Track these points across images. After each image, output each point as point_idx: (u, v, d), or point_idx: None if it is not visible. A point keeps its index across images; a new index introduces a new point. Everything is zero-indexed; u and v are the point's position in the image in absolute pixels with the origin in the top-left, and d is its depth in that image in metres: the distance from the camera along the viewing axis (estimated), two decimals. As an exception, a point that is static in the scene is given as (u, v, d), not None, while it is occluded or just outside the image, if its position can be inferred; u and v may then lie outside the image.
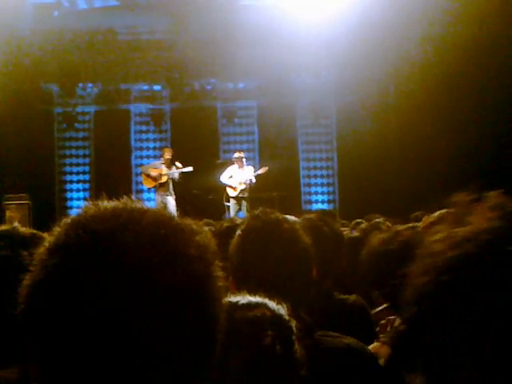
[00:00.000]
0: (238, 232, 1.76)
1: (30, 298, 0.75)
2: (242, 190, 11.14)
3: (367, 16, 11.72)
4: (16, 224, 1.90)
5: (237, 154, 11.28)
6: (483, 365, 0.63)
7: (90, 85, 13.16)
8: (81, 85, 13.07)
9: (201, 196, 11.55)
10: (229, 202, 11.24)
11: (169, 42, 12.77)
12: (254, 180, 11.13)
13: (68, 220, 0.80)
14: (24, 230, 1.87)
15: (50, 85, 13.02)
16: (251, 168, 11.28)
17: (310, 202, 13.47)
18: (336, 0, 11.71)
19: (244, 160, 11.25)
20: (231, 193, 11.20)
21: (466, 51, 10.30)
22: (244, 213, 10.95)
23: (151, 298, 0.72)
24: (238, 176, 11.18)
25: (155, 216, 0.80)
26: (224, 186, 11.26)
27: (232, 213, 11.03)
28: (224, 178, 11.27)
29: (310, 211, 11.69)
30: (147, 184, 11.48)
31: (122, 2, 12.94)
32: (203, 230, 0.85)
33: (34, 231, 1.87)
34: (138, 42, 12.79)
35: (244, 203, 11.13)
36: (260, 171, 11.14)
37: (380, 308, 2.80)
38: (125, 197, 0.84)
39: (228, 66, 12.44)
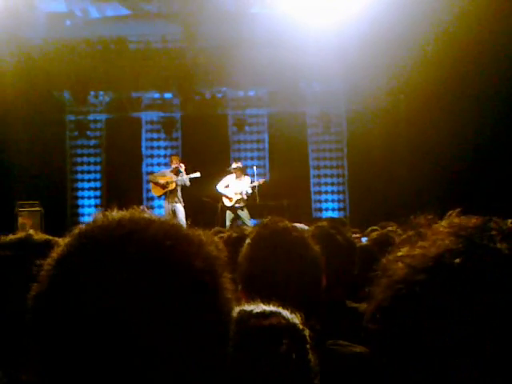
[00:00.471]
0: (248, 241, 1.76)
1: (36, 308, 0.76)
2: (237, 201, 11.16)
3: (377, 24, 11.73)
4: (31, 231, 1.91)
5: (235, 165, 11.30)
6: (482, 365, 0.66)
7: (102, 93, 13.26)
8: (93, 93, 13.17)
9: (211, 204, 11.57)
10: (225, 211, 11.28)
11: (180, 51, 12.83)
12: (250, 191, 11.14)
13: (76, 230, 0.80)
14: (38, 236, 1.88)
15: (62, 93, 13.13)
16: (248, 179, 11.29)
17: (321, 209, 13.46)
18: (346, 8, 11.73)
19: (242, 170, 11.28)
20: (227, 203, 11.23)
21: (480, 60, 10.28)
22: (246, 221, 10.97)
23: (154, 309, 0.72)
24: (234, 186, 11.21)
25: (162, 226, 0.79)
26: (220, 195, 11.30)
27: (227, 222, 11.05)
28: (220, 187, 11.30)
29: (321, 219, 11.68)
30: (156, 192, 11.53)
31: (133, 11, 13.04)
32: (213, 241, 0.85)
33: (49, 237, 1.87)
34: (150, 51, 12.86)
35: (243, 213, 11.14)
36: (256, 183, 11.15)
37: None
38: (134, 206, 0.85)
39: (238, 75, 12.48)
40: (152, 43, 12.86)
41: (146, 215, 0.82)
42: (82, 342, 0.71)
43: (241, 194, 11.14)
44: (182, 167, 11.16)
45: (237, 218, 11.20)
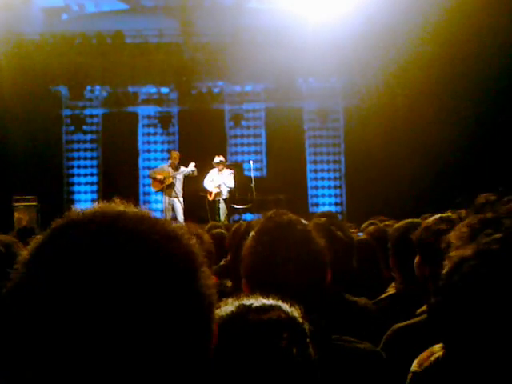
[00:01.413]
0: (251, 234, 1.73)
1: (8, 306, 0.75)
2: (216, 194, 11.14)
3: (374, 20, 11.73)
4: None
5: (217, 159, 11.24)
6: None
7: (99, 87, 13.21)
8: (89, 87, 13.13)
9: (207, 198, 11.57)
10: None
11: (177, 45, 12.81)
12: (229, 184, 11.12)
13: (52, 225, 0.80)
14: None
15: (58, 87, 13.08)
16: (229, 173, 11.25)
17: (317, 204, 13.46)
18: (343, 3, 11.72)
19: (224, 164, 11.23)
20: (209, 197, 11.24)
21: (477, 57, 10.29)
22: (221, 215, 10.96)
23: (133, 299, 0.72)
24: (216, 180, 11.20)
25: (134, 216, 0.80)
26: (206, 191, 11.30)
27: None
28: (206, 182, 11.30)
29: (315, 214, 11.70)
30: (154, 187, 11.54)
31: (130, 5, 13.01)
32: (198, 233, 0.86)
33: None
34: (146, 45, 12.84)
35: (221, 206, 11.13)
36: (231, 180, 11.14)
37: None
38: (129, 200, 0.85)
39: (236, 69, 12.47)
40: (149, 38, 12.83)
41: (118, 207, 0.82)
42: (60, 338, 0.70)
43: (219, 187, 11.12)
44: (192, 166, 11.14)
45: (218, 211, 11.16)
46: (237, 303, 1.21)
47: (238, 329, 1.14)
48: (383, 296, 2.79)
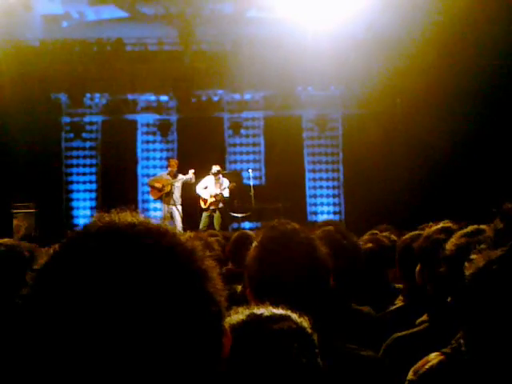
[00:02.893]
0: (255, 243, 1.75)
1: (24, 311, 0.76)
2: (212, 203, 11.12)
3: (373, 28, 11.79)
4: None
5: (214, 168, 11.21)
6: None
7: (98, 95, 13.23)
8: (88, 95, 13.15)
9: (199, 205, 11.53)
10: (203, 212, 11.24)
11: (176, 53, 12.85)
12: (225, 194, 11.11)
13: (67, 236, 0.82)
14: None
15: (58, 94, 13.09)
16: (226, 182, 11.24)
17: (316, 213, 13.46)
18: (342, 13, 11.77)
19: (221, 175, 11.24)
20: (202, 205, 11.21)
21: (474, 62, 10.33)
22: (215, 225, 10.94)
23: (148, 305, 0.73)
24: (211, 188, 11.18)
25: (146, 227, 0.81)
26: (198, 197, 11.27)
27: (201, 225, 10.95)
28: (199, 188, 11.28)
29: (314, 222, 11.71)
30: (153, 195, 11.58)
31: (130, 13, 13.05)
32: (206, 241, 0.87)
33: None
34: (146, 53, 12.87)
35: (215, 215, 11.11)
36: (228, 186, 11.12)
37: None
38: (128, 208, 0.86)
39: (235, 78, 12.50)
40: (148, 46, 12.88)
41: (129, 217, 0.83)
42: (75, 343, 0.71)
43: (215, 197, 11.10)
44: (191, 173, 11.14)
45: (211, 220, 11.13)
46: (247, 312, 1.22)
47: (249, 338, 1.15)
48: (391, 309, 2.80)
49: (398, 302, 2.88)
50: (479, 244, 1.05)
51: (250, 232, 3.14)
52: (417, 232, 2.88)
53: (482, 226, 1.77)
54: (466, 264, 1.01)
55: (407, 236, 2.86)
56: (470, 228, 1.82)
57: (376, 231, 4.25)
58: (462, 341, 1.06)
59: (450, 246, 1.77)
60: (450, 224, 2.39)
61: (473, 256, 1.02)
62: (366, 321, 2.34)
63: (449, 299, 1.73)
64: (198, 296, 0.78)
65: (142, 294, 0.73)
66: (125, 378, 0.71)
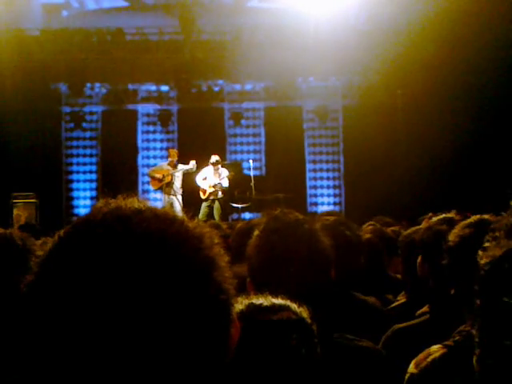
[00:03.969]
0: (256, 233, 1.73)
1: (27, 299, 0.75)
2: (211, 193, 11.12)
3: (374, 19, 11.74)
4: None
5: (213, 158, 11.17)
6: None
7: (98, 85, 13.20)
8: (89, 85, 13.11)
9: (200, 196, 11.52)
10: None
11: (177, 43, 12.79)
12: (224, 184, 11.10)
13: (71, 223, 0.80)
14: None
15: (58, 84, 13.06)
16: (225, 172, 11.21)
17: (316, 204, 13.47)
18: (343, 3, 11.73)
19: (219, 165, 11.20)
20: (202, 196, 11.20)
21: (475, 54, 10.30)
22: (215, 215, 10.93)
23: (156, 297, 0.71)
24: (210, 179, 11.16)
25: (152, 213, 0.80)
26: (198, 188, 11.26)
27: (200, 216, 10.86)
28: (199, 179, 11.26)
29: (314, 213, 11.71)
30: (153, 185, 11.57)
31: (130, 2, 13.00)
32: (209, 232, 0.84)
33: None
34: (146, 43, 12.82)
35: (214, 206, 11.10)
36: (226, 176, 11.10)
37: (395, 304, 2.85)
38: (130, 194, 0.84)
39: (235, 68, 12.46)
40: (149, 35, 12.82)
41: (134, 204, 0.81)
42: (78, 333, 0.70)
43: (215, 187, 11.09)
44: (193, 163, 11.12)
45: (210, 211, 11.12)
46: (246, 302, 1.22)
47: (248, 328, 1.15)
48: (394, 305, 2.80)
49: (401, 298, 2.87)
50: (486, 234, 1.02)
51: (256, 220, 3.09)
52: (418, 227, 2.86)
53: (485, 216, 1.74)
54: (480, 253, 0.98)
55: (409, 231, 2.85)
56: (473, 218, 1.79)
57: (373, 222, 4.25)
58: (473, 332, 1.04)
59: (453, 237, 1.74)
60: (452, 215, 2.36)
61: (487, 244, 0.98)
62: (370, 311, 2.34)
63: (452, 291, 1.72)
64: (206, 284, 0.76)
65: (149, 282, 0.72)
66: (135, 365, 0.70)
